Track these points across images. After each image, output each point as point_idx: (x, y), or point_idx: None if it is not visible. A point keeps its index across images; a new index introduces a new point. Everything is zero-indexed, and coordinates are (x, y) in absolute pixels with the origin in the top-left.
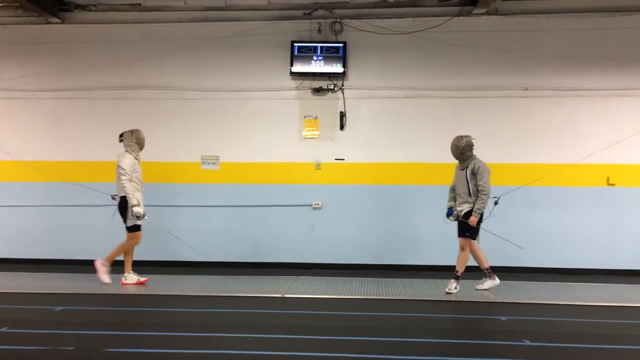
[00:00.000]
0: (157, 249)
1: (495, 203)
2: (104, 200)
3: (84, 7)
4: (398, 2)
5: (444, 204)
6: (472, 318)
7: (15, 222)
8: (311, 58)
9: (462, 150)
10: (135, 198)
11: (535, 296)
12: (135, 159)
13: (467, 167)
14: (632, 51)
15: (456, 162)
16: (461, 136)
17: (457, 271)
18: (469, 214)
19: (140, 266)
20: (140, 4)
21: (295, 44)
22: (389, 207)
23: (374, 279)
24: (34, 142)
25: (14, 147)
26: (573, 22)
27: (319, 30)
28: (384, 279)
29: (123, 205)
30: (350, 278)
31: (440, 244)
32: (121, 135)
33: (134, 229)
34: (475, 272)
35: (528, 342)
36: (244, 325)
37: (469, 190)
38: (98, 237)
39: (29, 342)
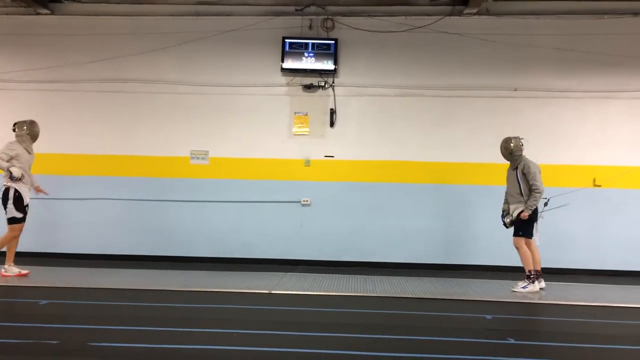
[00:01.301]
0: (145, 244)
1: (545, 204)
2: (90, 194)
3: None
4: (390, 1)
5: (432, 203)
6: (456, 316)
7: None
8: (302, 54)
9: (511, 151)
10: (10, 164)
11: (520, 295)
12: (26, 149)
13: (517, 168)
14: (621, 53)
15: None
16: (510, 137)
17: (529, 271)
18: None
19: (132, 261)
20: None
21: (286, 40)
22: (378, 204)
23: (361, 276)
24: None
25: (1, 139)
26: (563, 24)
27: (310, 27)
28: (371, 276)
29: (5, 196)
30: (337, 275)
31: (427, 242)
32: (14, 125)
33: (13, 221)
34: (454, 270)
35: (512, 341)
36: (231, 321)
37: (521, 190)
38: (85, 230)
39: (13, 335)
